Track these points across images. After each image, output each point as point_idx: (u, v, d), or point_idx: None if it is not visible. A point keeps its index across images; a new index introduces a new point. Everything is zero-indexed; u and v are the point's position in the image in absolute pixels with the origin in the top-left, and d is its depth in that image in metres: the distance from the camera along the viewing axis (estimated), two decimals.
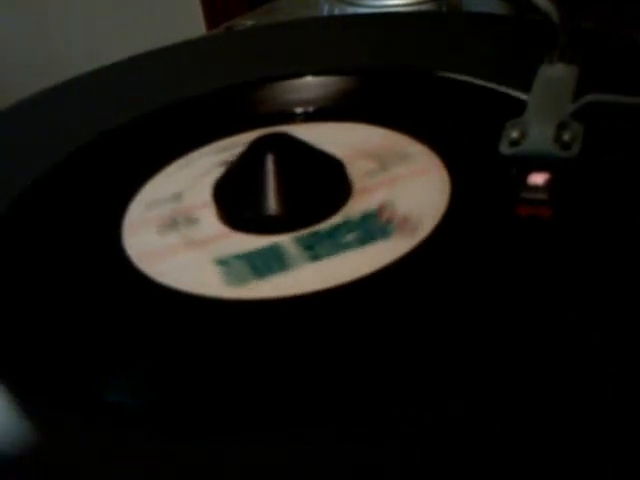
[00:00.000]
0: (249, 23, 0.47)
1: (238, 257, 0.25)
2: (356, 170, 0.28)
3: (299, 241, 0.25)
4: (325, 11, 0.48)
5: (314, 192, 0.27)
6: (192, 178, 0.30)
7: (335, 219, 0.26)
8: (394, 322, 0.22)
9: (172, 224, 0.28)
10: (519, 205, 0.25)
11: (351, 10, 0.47)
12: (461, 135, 0.30)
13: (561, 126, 0.25)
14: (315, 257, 0.24)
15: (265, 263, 0.25)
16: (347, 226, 0.26)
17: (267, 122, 0.32)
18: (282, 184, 0.26)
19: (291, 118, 0.33)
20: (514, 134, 0.26)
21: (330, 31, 0.42)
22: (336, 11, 0.47)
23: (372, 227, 0.25)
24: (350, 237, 0.25)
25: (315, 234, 0.25)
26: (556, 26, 0.31)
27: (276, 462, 0.18)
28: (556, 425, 0.17)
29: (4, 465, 0.19)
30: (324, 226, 0.26)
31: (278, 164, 0.26)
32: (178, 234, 0.27)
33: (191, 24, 0.64)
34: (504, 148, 0.26)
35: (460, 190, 0.26)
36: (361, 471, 0.17)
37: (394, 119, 0.31)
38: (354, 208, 0.26)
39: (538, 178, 0.25)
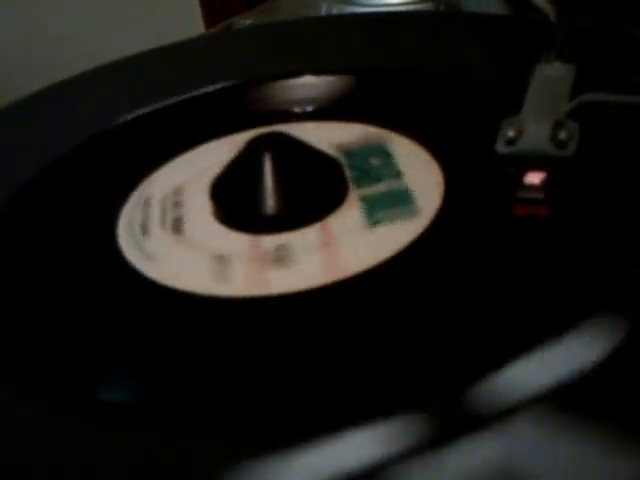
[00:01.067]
0: (248, 22, 0.47)
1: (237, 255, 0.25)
2: (342, 164, 0.28)
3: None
4: (324, 10, 0.48)
5: (311, 191, 0.27)
6: (193, 173, 0.30)
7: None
8: (386, 321, 0.22)
9: (170, 223, 0.28)
10: (515, 204, 0.25)
11: (349, 9, 0.47)
12: (458, 134, 0.30)
13: (557, 125, 0.25)
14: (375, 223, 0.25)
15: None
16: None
17: (265, 121, 0.32)
18: (279, 183, 0.26)
19: (289, 117, 0.33)
20: (510, 133, 0.26)
21: (328, 30, 0.42)
22: (334, 10, 0.47)
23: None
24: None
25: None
26: (553, 25, 0.31)
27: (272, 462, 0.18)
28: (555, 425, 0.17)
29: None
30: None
31: (275, 163, 0.26)
32: (174, 230, 0.27)
33: (190, 23, 0.64)
34: (500, 147, 0.26)
35: (455, 189, 0.26)
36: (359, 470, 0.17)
37: (392, 118, 0.31)
38: (354, 201, 0.27)
39: (534, 177, 0.25)
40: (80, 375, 0.22)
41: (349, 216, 0.26)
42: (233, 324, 0.23)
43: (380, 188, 0.27)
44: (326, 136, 0.31)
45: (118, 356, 0.23)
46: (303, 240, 0.25)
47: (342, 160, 0.29)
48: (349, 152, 0.29)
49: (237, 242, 0.26)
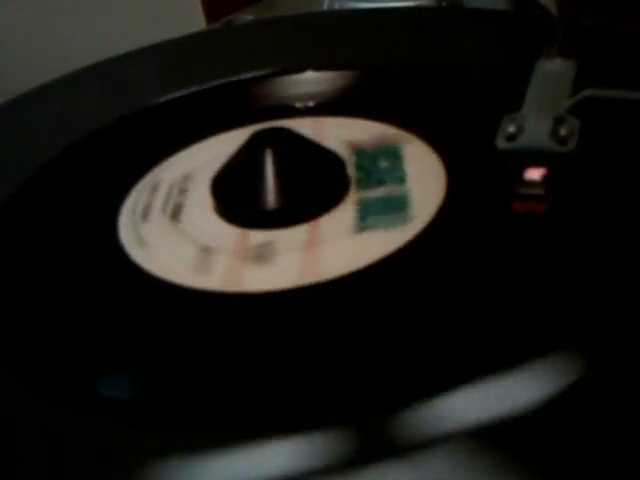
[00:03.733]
0: (249, 18, 0.47)
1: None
2: (347, 161, 0.28)
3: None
4: (325, 6, 0.48)
5: (307, 190, 0.27)
6: (206, 161, 0.30)
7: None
8: (384, 316, 0.22)
9: (171, 209, 0.28)
10: (515, 200, 0.24)
11: (351, 5, 0.46)
12: (459, 130, 0.30)
13: (558, 121, 0.25)
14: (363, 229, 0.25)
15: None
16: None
17: (267, 116, 0.32)
18: (276, 179, 0.26)
19: (291, 113, 0.33)
20: (511, 129, 0.26)
21: (330, 26, 0.42)
22: (336, 6, 0.47)
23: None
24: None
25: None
26: (555, 21, 0.31)
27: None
28: (554, 425, 0.17)
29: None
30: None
31: (276, 158, 0.26)
32: (172, 216, 0.27)
33: (191, 19, 0.64)
34: (501, 143, 0.26)
35: (456, 185, 0.26)
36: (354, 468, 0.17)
37: (393, 114, 0.31)
38: (350, 204, 0.26)
39: (534, 173, 0.25)
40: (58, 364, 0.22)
41: (341, 218, 0.26)
42: (196, 317, 0.23)
43: (379, 192, 0.27)
44: (341, 133, 0.30)
45: (84, 341, 0.23)
46: (289, 239, 0.25)
47: (351, 159, 0.29)
48: (360, 151, 0.29)
49: (227, 235, 0.26)
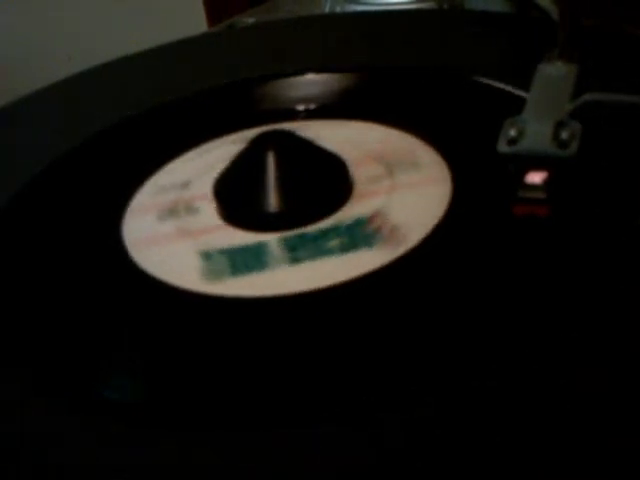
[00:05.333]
0: (250, 21, 0.47)
1: (222, 252, 0.26)
2: (356, 167, 0.28)
3: (284, 241, 0.25)
4: (327, 8, 0.48)
5: (314, 191, 0.27)
6: (203, 167, 0.30)
7: (327, 222, 0.26)
8: (363, 329, 0.22)
9: (173, 211, 0.28)
10: (517, 204, 0.25)
11: (353, 8, 0.47)
12: (462, 133, 0.30)
13: (559, 125, 0.25)
14: (295, 260, 0.25)
15: (245, 261, 0.25)
16: (335, 231, 0.25)
17: (270, 119, 0.32)
18: (282, 182, 0.26)
19: (294, 115, 0.33)
20: (512, 132, 0.26)
21: (332, 28, 0.42)
22: (338, 9, 0.47)
23: (359, 235, 0.25)
24: (334, 243, 0.25)
25: (302, 236, 0.25)
26: (556, 24, 0.31)
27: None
28: (553, 425, 0.17)
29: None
30: (312, 229, 0.26)
31: (279, 161, 0.26)
32: (176, 222, 0.28)
33: (193, 21, 0.64)
34: (502, 146, 0.26)
35: (460, 193, 0.26)
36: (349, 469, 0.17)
37: (395, 117, 0.31)
38: (352, 210, 0.26)
39: (536, 177, 0.25)
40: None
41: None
42: (174, 316, 0.24)
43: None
44: (365, 141, 0.30)
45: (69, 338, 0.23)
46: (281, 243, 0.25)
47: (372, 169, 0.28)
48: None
49: (224, 237, 0.26)
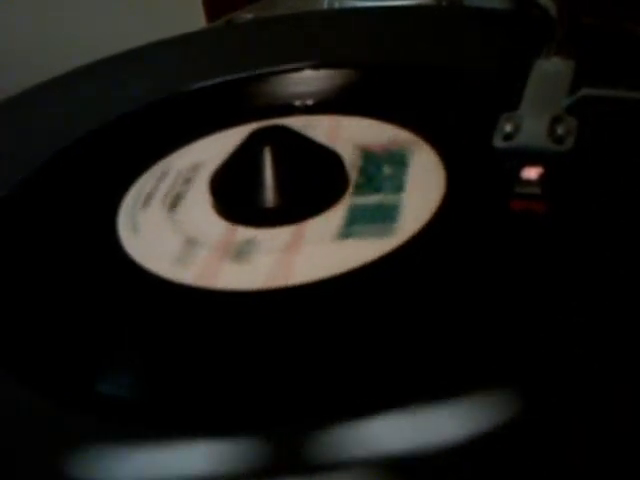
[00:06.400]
0: (249, 16, 0.47)
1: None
2: (353, 164, 0.28)
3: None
4: (326, 4, 0.48)
5: (305, 188, 0.27)
6: (216, 153, 0.30)
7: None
8: (286, 341, 0.22)
9: (171, 195, 0.29)
10: (512, 200, 0.25)
11: (351, 4, 0.46)
12: (457, 129, 0.30)
13: (555, 120, 0.25)
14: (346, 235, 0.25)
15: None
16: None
17: (266, 115, 0.32)
18: (278, 177, 0.26)
19: (290, 111, 0.33)
20: (508, 128, 0.26)
21: (330, 24, 0.42)
22: (336, 4, 0.47)
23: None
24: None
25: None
26: (553, 20, 0.31)
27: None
28: (551, 426, 0.17)
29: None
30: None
31: (275, 156, 0.26)
32: (170, 206, 0.28)
33: (191, 17, 0.64)
34: (498, 142, 0.26)
35: (455, 185, 0.26)
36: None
37: (391, 112, 0.31)
38: (347, 205, 0.26)
39: (531, 172, 0.25)
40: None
41: (328, 223, 0.26)
42: (163, 308, 0.24)
43: (374, 199, 0.27)
44: (353, 133, 0.30)
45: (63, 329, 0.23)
46: (272, 239, 0.25)
47: (358, 162, 0.28)
48: (369, 155, 0.29)
49: (215, 229, 0.26)
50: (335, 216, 0.26)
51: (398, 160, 0.28)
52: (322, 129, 0.30)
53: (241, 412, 0.19)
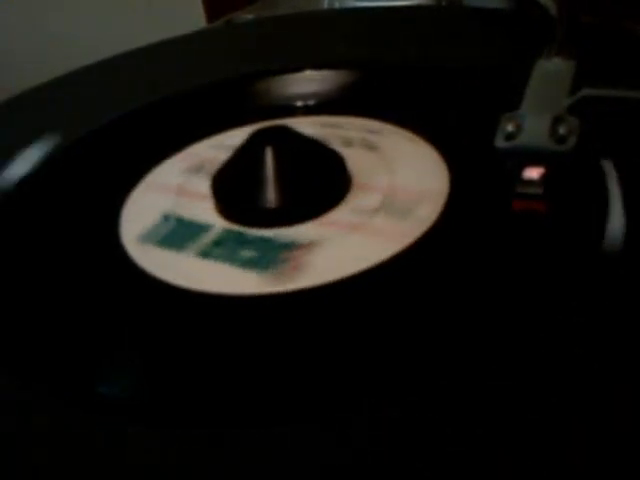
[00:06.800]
0: (249, 17, 0.47)
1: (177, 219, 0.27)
2: (355, 164, 0.28)
3: (224, 233, 0.26)
4: (325, 4, 0.48)
5: (312, 186, 0.27)
6: (203, 162, 0.30)
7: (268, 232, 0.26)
8: (280, 345, 0.22)
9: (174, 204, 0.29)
10: (514, 199, 0.25)
11: (351, 4, 0.47)
12: (459, 128, 0.30)
13: (557, 120, 0.25)
14: (205, 255, 0.25)
15: (178, 236, 0.26)
16: (256, 244, 0.25)
17: (268, 115, 0.32)
18: (280, 177, 0.26)
19: (292, 111, 0.33)
20: (509, 127, 0.26)
21: (331, 25, 0.42)
22: (336, 4, 0.47)
23: (268, 257, 0.25)
24: (245, 254, 0.25)
25: (240, 235, 0.26)
26: (554, 20, 0.31)
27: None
28: (551, 426, 0.17)
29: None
30: (253, 232, 0.26)
31: (277, 157, 0.26)
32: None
33: (192, 17, 0.64)
34: (499, 142, 0.26)
35: (457, 188, 0.26)
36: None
37: (393, 112, 0.31)
38: (352, 202, 0.26)
39: (533, 172, 0.25)
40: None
41: (336, 220, 0.26)
42: (157, 309, 0.24)
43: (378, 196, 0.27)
44: (363, 137, 0.30)
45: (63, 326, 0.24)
46: (280, 238, 0.25)
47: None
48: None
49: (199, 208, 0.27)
50: (342, 214, 0.26)
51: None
52: (319, 129, 0.30)
53: (270, 410, 0.20)
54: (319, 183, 0.27)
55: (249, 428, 0.19)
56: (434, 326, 0.21)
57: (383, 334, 0.21)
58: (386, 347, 0.21)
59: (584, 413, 0.17)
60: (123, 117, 0.34)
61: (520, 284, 0.22)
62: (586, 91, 0.26)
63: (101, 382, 0.22)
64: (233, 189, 0.27)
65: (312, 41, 0.39)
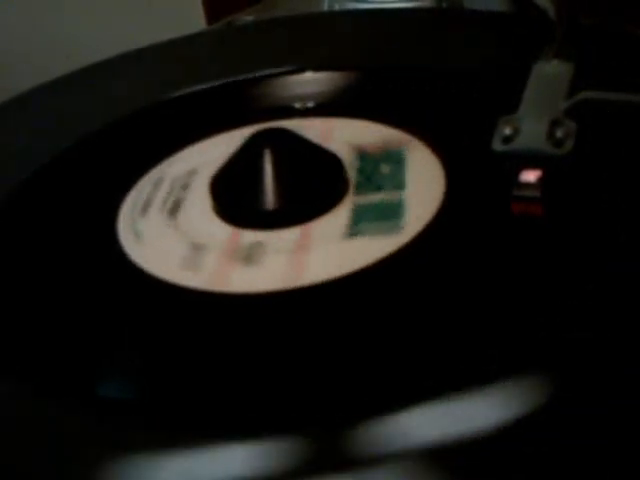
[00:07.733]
0: (249, 18, 0.47)
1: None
2: (350, 164, 0.28)
3: None
4: (326, 6, 0.48)
5: (302, 192, 0.27)
6: (210, 159, 0.30)
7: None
8: (351, 327, 0.22)
9: (170, 202, 0.28)
10: (511, 202, 0.25)
11: (352, 5, 0.47)
12: (458, 132, 0.30)
13: (554, 123, 0.26)
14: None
15: None
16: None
17: (266, 117, 0.32)
18: (272, 180, 0.26)
19: (290, 113, 0.34)
20: (507, 130, 0.26)
21: (330, 26, 0.42)
22: (337, 7, 0.47)
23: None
24: None
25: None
26: (552, 23, 0.31)
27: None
28: (580, 412, 0.17)
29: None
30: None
31: (275, 159, 0.26)
32: (169, 212, 0.28)
33: (191, 19, 0.64)
34: (497, 144, 0.26)
35: (454, 190, 0.26)
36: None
37: (391, 115, 0.31)
38: (347, 206, 0.26)
39: (530, 175, 0.25)
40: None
41: (334, 222, 0.26)
42: (177, 314, 0.24)
43: (376, 198, 0.27)
44: (348, 135, 0.30)
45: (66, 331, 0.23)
46: (280, 240, 0.25)
47: (354, 162, 0.29)
48: (364, 155, 0.29)
49: (220, 233, 0.26)
50: (340, 216, 0.26)
51: (395, 159, 0.29)
52: (316, 131, 0.30)
53: (272, 413, 0.19)
54: (315, 187, 0.27)
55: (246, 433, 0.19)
56: (434, 326, 0.21)
57: (383, 334, 0.21)
58: (386, 347, 0.21)
59: (585, 420, 0.17)
60: (120, 119, 0.34)
61: (518, 287, 0.22)
62: (584, 94, 0.26)
63: (101, 382, 0.22)
64: (231, 191, 0.27)
65: (312, 43, 0.39)
